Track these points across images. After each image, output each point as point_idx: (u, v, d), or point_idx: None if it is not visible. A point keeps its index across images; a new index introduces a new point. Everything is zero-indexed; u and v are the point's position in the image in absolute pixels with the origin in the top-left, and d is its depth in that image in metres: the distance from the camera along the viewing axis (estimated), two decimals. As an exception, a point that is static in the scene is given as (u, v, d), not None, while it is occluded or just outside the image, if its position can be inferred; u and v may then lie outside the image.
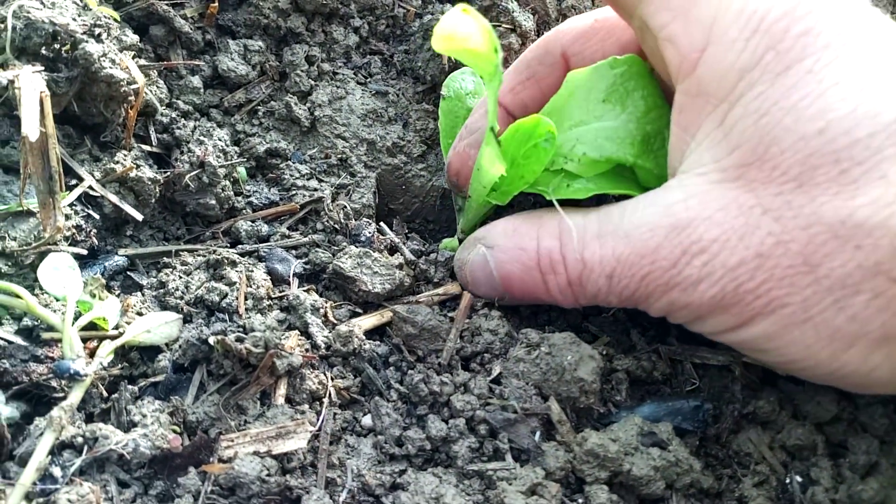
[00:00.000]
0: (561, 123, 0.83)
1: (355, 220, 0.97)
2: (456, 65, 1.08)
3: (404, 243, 0.97)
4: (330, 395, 0.79)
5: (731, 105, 0.68)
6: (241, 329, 0.79)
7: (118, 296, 0.83)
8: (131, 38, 0.92)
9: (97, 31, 0.83)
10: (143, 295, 0.84)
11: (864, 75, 0.64)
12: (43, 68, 0.79)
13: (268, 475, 0.68)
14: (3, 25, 0.78)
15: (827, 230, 0.63)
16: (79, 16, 0.84)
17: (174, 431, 0.70)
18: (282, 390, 0.76)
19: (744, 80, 0.67)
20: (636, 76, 0.83)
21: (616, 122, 0.83)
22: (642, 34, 0.80)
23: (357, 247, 0.92)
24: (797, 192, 0.64)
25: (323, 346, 0.81)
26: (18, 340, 0.73)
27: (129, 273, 0.87)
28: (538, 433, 0.79)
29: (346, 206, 0.98)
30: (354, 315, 0.88)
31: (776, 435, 0.83)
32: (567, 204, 0.82)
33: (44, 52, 0.81)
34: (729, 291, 0.68)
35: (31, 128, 0.70)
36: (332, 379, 0.80)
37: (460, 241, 0.94)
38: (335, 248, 0.94)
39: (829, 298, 0.64)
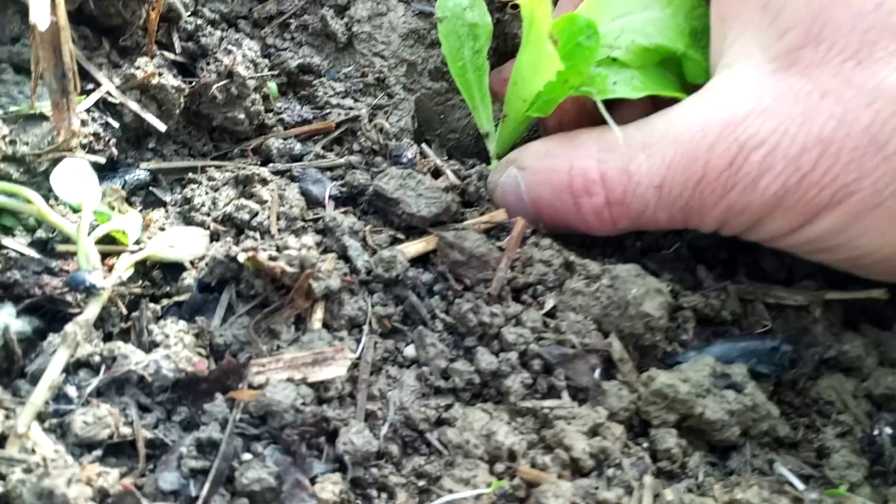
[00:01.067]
0: (602, 16, 0.78)
1: (396, 140, 0.89)
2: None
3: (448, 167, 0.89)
4: (370, 322, 0.71)
5: None
6: (273, 248, 0.71)
7: (140, 211, 0.76)
8: (152, -69, 0.83)
9: (115, -83, 0.74)
10: (166, 211, 0.77)
11: None
12: (56, -44, 0.71)
13: (303, 404, 0.61)
14: None
15: (893, 103, 0.59)
16: None
17: (199, 354, 0.63)
18: (318, 315, 0.69)
19: None
20: None
21: (663, 13, 0.78)
22: None
23: (398, 168, 0.84)
24: (857, 70, 0.61)
25: (363, 270, 0.74)
26: (31, 252, 0.67)
27: (151, 189, 0.80)
28: (598, 371, 0.72)
29: (384, 126, 0.90)
30: (395, 241, 0.80)
31: (861, 383, 0.75)
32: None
33: (57, -62, 0.73)
34: (792, 185, 0.63)
35: (40, 16, 0.62)
36: (372, 306, 0.73)
37: None
38: (374, 169, 0.86)
39: None
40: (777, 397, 0.76)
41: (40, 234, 0.68)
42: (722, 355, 0.76)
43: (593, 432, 0.66)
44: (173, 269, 0.71)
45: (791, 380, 0.77)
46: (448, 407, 0.68)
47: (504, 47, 1.02)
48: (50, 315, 0.64)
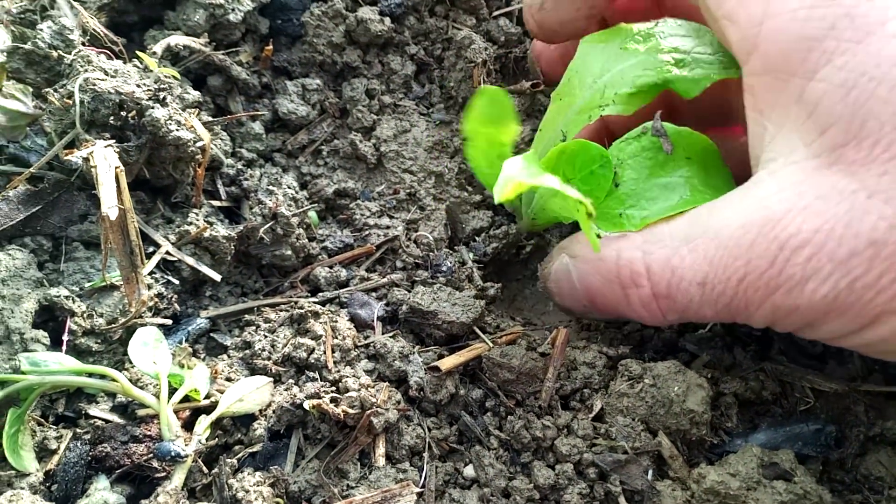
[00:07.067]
0: (584, 80, 0.81)
1: (437, 250, 0.94)
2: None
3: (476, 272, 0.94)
4: (430, 447, 0.76)
5: (808, 79, 0.62)
6: (332, 387, 0.76)
7: (203, 359, 0.82)
8: (193, 94, 0.91)
9: (161, 94, 0.81)
10: (229, 357, 0.83)
11: None
12: (112, 139, 0.78)
13: (377, 544, 0.66)
14: (71, 101, 0.78)
15: None
16: (141, 80, 0.83)
17: (278, 504, 0.68)
18: (381, 449, 0.74)
19: (815, 52, 0.61)
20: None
21: (637, 59, 0.79)
22: (707, 20, 0.74)
23: (440, 276, 0.89)
24: None
25: (415, 395, 0.78)
26: (115, 418, 0.73)
27: (212, 335, 0.86)
28: (650, 472, 0.75)
29: (427, 237, 0.95)
30: (441, 357, 0.85)
31: (909, 455, 0.77)
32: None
33: (112, 121, 0.80)
34: (843, 288, 0.59)
35: (110, 206, 0.69)
36: (429, 430, 0.77)
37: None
38: (417, 279, 0.92)
39: None
40: (827, 476, 0.79)
41: (121, 398, 0.74)
42: (768, 442, 0.78)
43: (653, 538, 0.70)
44: (244, 418, 0.76)
45: (839, 459, 0.79)
46: (512, 526, 0.72)
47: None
48: (139, 481, 0.69)
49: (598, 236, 0.66)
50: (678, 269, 0.69)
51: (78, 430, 0.71)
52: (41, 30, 0.85)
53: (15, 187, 0.77)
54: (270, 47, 1.04)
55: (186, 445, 0.67)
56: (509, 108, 0.89)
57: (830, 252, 0.59)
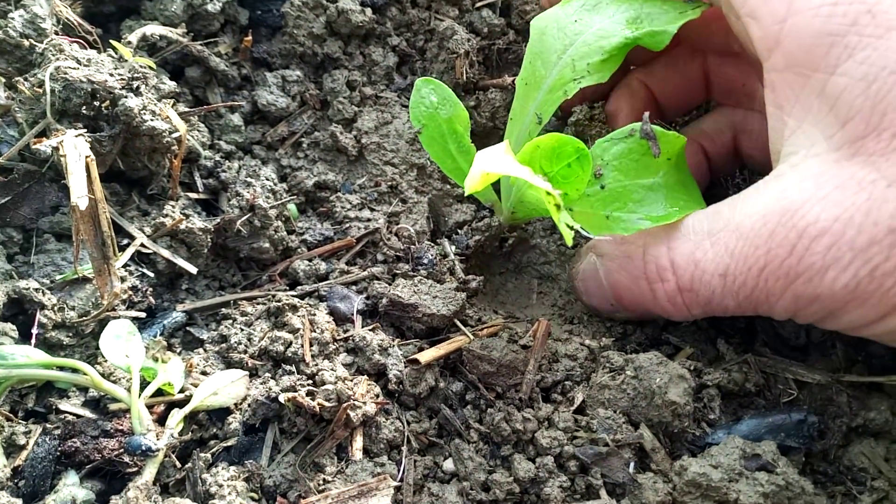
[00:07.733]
0: (548, 59, 0.82)
1: (418, 243, 0.93)
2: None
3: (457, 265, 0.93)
4: (408, 440, 0.75)
5: (829, 74, 0.63)
6: (309, 380, 0.75)
7: (179, 353, 0.80)
8: (169, 84, 0.89)
9: (135, 83, 0.80)
10: (205, 351, 0.81)
11: None
12: (85, 129, 0.77)
13: (354, 539, 0.65)
14: (41, 90, 0.76)
15: None
16: (115, 69, 0.82)
17: (252, 499, 0.67)
18: (358, 443, 0.72)
19: (837, 47, 0.62)
20: None
21: (596, 28, 0.80)
22: (729, 17, 0.75)
23: (421, 269, 0.88)
24: None
25: (395, 389, 0.77)
26: (87, 413, 0.71)
27: (188, 329, 0.84)
28: (632, 464, 0.74)
29: (408, 230, 0.94)
30: (421, 350, 0.84)
31: (892, 446, 0.77)
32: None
33: (84, 111, 0.78)
34: (864, 277, 0.60)
35: (80, 196, 0.68)
36: (408, 424, 0.76)
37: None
38: (397, 274, 0.90)
39: None
40: (810, 467, 0.78)
41: (93, 392, 0.73)
42: (750, 433, 0.78)
43: (633, 531, 0.69)
44: (218, 411, 0.74)
45: (821, 450, 0.78)
46: (492, 520, 0.71)
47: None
48: (110, 475, 0.68)
49: (571, 228, 0.66)
50: (701, 262, 0.71)
51: (48, 426, 0.70)
52: (12, 18, 0.83)
53: (-16, 178, 0.75)
54: (250, 38, 1.03)
55: (158, 439, 0.65)
56: (452, 95, 0.88)
57: (850, 240, 0.60)
